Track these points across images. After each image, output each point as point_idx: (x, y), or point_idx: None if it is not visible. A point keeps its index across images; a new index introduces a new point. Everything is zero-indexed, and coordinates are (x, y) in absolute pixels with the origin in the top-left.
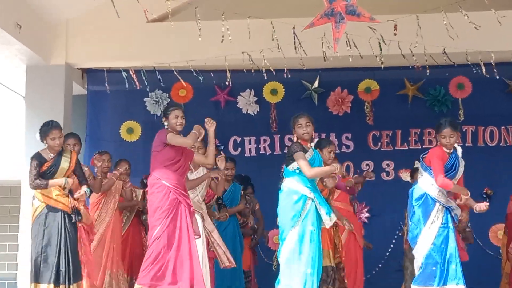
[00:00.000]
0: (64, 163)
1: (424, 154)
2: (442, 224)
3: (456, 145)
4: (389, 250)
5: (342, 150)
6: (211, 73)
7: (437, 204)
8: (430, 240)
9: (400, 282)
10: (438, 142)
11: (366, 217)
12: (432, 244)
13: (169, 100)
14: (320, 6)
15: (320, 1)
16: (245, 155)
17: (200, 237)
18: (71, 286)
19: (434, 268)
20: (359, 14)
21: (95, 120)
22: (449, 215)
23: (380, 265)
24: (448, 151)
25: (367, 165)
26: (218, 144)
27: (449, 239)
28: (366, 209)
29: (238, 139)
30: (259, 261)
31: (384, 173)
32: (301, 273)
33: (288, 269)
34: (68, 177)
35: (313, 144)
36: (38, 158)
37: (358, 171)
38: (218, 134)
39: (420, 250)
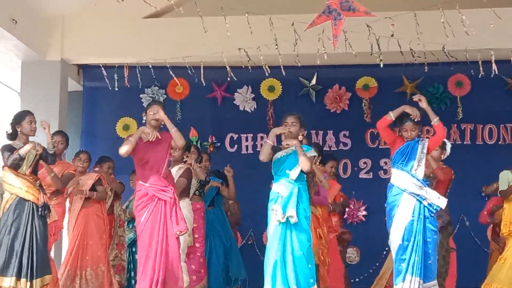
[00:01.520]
0: (30, 155)
1: None
2: (413, 217)
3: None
4: (386, 248)
5: (339, 148)
6: (208, 70)
7: (405, 194)
8: (400, 234)
9: None
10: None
11: (363, 215)
12: (401, 240)
13: (166, 96)
14: (318, 2)
15: None
16: (242, 152)
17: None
18: (33, 281)
19: (402, 264)
20: (354, 9)
21: (91, 117)
22: (421, 205)
23: (377, 264)
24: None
25: (364, 163)
26: (215, 141)
27: (417, 231)
28: (363, 207)
29: (235, 136)
30: (256, 258)
31: (382, 171)
32: (268, 267)
33: (266, 257)
34: (34, 167)
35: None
36: (7, 148)
37: (356, 168)
38: (214, 130)
39: (392, 244)
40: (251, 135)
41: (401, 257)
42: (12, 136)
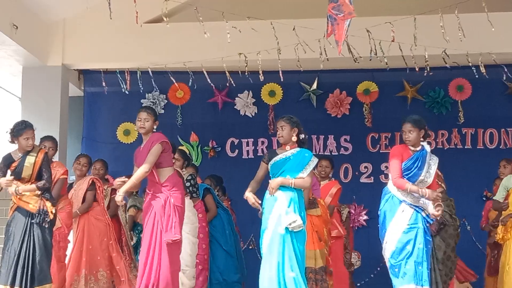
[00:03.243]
0: (29, 159)
1: None
2: (408, 225)
3: (425, 143)
4: None
5: (340, 152)
6: (209, 75)
7: (403, 204)
8: (394, 241)
9: None
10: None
11: (364, 220)
12: (395, 247)
13: (166, 101)
14: (319, 7)
15: (318, 2)
16: (243, 157)
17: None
18: None
19: (396, 269)
20: (342, 13)
21: (92, 122)
22: (419, 215)
23: (378, 268)
24: (413, 148)
25: (365, 167)
26: (215, 146)
27: (417, 239)
28: (364, 212)
29: (236, 141)
30: (257, 263)
31: (383, 175)
32: (270, 274)
33: (262, 269)
34: (38, 174)
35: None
36: (5, 160)
37: (356, 173)
38: (215, 135)
39: (386, 252)
40: (252, 140)
41: (395, 263)
42: (13, 142)
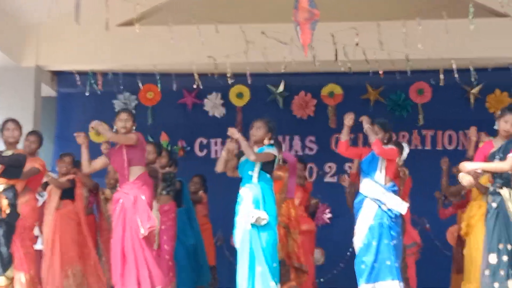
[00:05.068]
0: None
1: None
2: (373, 220)
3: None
4: (350, 250)
5: (305, 152)
6: (179, 77)
7: (367, 199)
8: (361, 238)
9: None
10: None
11: (328, 218)
12: (362, 243)
13: (137, 102)
14: (287, 12)
15: (285, 7)
16: (211, 156)
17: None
18: None
19: (363, 266)
20: (302, 18)
21: (65, 122)
22: (381, 210)
23: (341, 265)
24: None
25: (329, 167)
26: (185, 145)
27: (382, 235)
28: (328, 210)
29: (205, 141)
30: (225, 260)
31: (346, 175)
32: (242, 270)
33: (238, 266)
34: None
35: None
36: None
37: (320, 172)
38: (185, 135)
39: (355, 248)
40: (220, 139)
41: (362, 259)
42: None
